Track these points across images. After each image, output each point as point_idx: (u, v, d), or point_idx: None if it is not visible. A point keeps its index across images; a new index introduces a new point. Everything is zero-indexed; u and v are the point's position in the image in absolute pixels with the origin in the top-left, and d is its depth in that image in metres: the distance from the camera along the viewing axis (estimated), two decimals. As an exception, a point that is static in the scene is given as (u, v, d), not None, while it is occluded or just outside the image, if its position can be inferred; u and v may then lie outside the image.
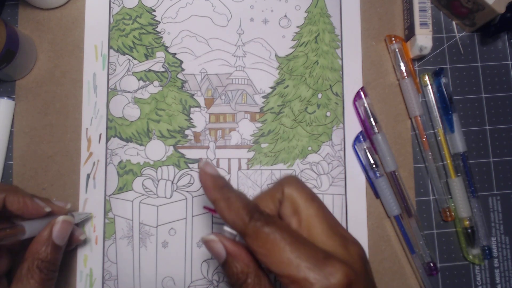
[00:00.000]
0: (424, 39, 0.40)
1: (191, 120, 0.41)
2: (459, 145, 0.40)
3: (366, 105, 0.41)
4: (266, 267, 0.26)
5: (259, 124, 0.41)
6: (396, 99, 0.42)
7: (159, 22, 0.41)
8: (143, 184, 0.39)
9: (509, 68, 0.43)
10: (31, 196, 0.33)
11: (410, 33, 0.41)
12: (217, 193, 0.28)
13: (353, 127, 0.41)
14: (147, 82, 0.41)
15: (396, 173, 0.40)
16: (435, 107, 0.41)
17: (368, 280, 0.27)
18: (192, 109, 0.41)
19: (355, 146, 0.41)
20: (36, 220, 0.33)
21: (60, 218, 0.33)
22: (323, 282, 0.25)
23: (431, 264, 0.39)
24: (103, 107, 0.40)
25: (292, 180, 0.30)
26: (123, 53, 0.41)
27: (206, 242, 0.29)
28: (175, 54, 0.41)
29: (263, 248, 0.26)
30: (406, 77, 0.41)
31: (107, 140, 0.40)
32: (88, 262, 0.38)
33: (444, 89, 0.41)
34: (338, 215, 0.40)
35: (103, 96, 0.40)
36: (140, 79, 0.41)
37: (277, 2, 0.42)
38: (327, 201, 0.40)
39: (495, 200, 0.42)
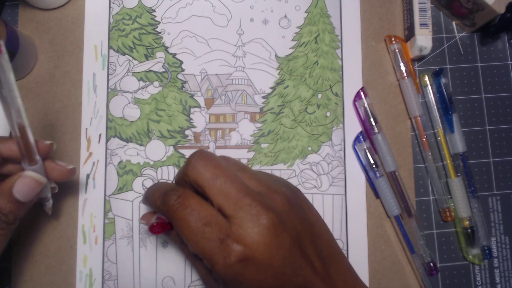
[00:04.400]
0: (424, 40, 0.40)
1: (191, 121, 0.41)
2: (459, 145, 0.40)
3: (366, 105, 0.41)
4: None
5: (259, 124, 0.41)
6: (396, 99, 0.42)
7: (159, 22, 0.41)
8: (143, 184, 0.39)
9: (509, 68, 0.43)
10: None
11: (410, 33, 0.41)
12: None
13: (353, 127, 0.41)
14: (147, 83, 0.41)
15: (396, 173, 0.40)
16: (435, 107, 0.41)
17: (291, 229, 0.29)
18: (192, 110, 0.41)
19: (355, 146, 0.41)
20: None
21: (27, 173, 0.29)
22: (222, 262, 0.27)
23: (431, 264, 0.39)
24: (103, 107, 0.40)
25: (194, 163, 0.30)
26: (123, 53, 0.41)
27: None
28: (175, 54, 0.41)
29: (177, 227, 0.29)
30: (406, 77, 0.41)
31: (107, 140, 0.40)
32: (87, 262, 0.38)
33: (444, 89, 0.41)
34: (338, 215, 0.40)
35: (103, 96, 0.40)
36: (140, 79, 0.41)
37: (277, 2, 0.42)
38: (327, 201, 0.40)
39: (495, 200, 0.42)
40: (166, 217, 0.30)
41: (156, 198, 0.31)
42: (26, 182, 0.29)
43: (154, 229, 0.31)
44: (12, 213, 0.29)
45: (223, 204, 0.29)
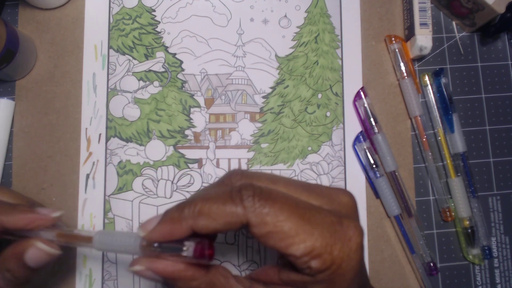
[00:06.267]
0: (424, 39, 0.40)
1: (191, 120, 0.41)
2: (459, 145, 0.40)
3: (366, 105, 0.40)
4: (281, 252, 0.22)
5: (259, 124, 0.41)
6: (396, 99, 0.42)
7: (159, 22, 0.41)
8: (143, 184, 0.39)
9: (509, 68, 0.43)
10: (18, 206, 0.29)
11: (410, 33, 0.41)
12: (184, 220, 0.23)
13: (353, 127, 0.41)
14: (147, 82, 0.41)
15: (396, 173, 0.40)
16: (435, 107, 0.41)
17: None
18: (192, 109, 0.41)
19: (355, 146, 0.41)
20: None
21: (40, 245, 0.28)
22: (345, 251, 0.22)
23: (431, 264, 0.39)
24: (103, 107, 0.40)
25: (237, 172, 0.25)
26: (123, 53, 0.41)
27: (136, 273, 0.24)
28: (175, 54, 0.41)
29: (275, 231, 0.22)
30: (406, 77, 0.41)
31: (107, 140, 0.40)
32: (87, 263, 0.38)
33: (444, 89, 0.41)
34: (338, 215, 0.40)
35: (102, 96, 0.40)
36: (140, 79, 0.41)
37: (277, 2, 0.42)
38: (327, 201, 0.40)
39: (495, 200, 0.42)
40: (253, 220, 0.22)
41: (225, 204, 0.22)
42: (38, 253, 0.28)
43: (199, 254, 0.23)
44: (23, 277, 0.28)
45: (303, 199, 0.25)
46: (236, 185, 0.23)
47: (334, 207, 0.24)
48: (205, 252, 0.23)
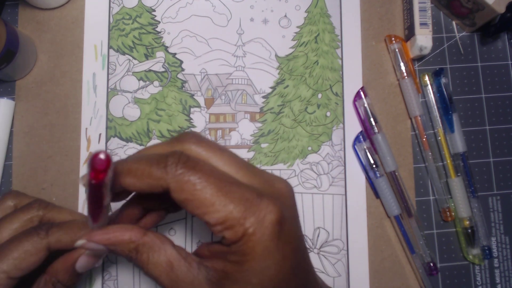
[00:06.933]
0: (424, 39, 0.40)
1: (191, 120, 0.41)
2: (459, 145, 0.40)
3: (366, 105, 0.41)
4: (199, 218, 0.24)
5: (259, 124, 0.41)
6: (396, 99, 0.42)
7: (159, 22, 0.41)
8: (143, 184, 0.39)
9: (509, 68, 0.43)
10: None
11: (410, 33, 0.41)
12: (116, 175, 0.25)
13: (353, 127, 0.41)
14: (147, 82, 0.41)
15: (396, 173, 0.40)
16: (435, 107, 0.41)
17: (296, 217, 0.27)
18: (192, 109, 0.41)
19: (355, 146, 0.41)
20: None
21: (91, 252, 0.29)
22: (257, 225, 0.23)
23: (431, 264, 0.39)
24: (103, 107, 0.40)
25: (190, 136, 0.26)
26: (123, 53, 0.41)
27: (81, 247, 0.27)
28: (175, 54, 0.41)
29: (191, 198, 0.24)
30: (406, 77, 0.41)
31: (107, 140, 0.40)
32: (88, 262, 0.38)
33: (444, 89, 0.41)
34: (338, 215, 0.40)
35: (102, 96, 0.40)
36: (140, 79, 0.41)
37: (277, 2, 0.42)
38: (327, 201, 0.40)
39: (495, 200, 0.42)
40: (173, 185, 0.24)
41: (151, 166, 0.24)
42: (88, 259, 0.29)
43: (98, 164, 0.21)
44: (73, 283, 0.30)
45: (234, 175, 0.26)
46: (169, 151, 0.25)
47: (265, 188, 0.25)
48: (98, 158, 0.22)
